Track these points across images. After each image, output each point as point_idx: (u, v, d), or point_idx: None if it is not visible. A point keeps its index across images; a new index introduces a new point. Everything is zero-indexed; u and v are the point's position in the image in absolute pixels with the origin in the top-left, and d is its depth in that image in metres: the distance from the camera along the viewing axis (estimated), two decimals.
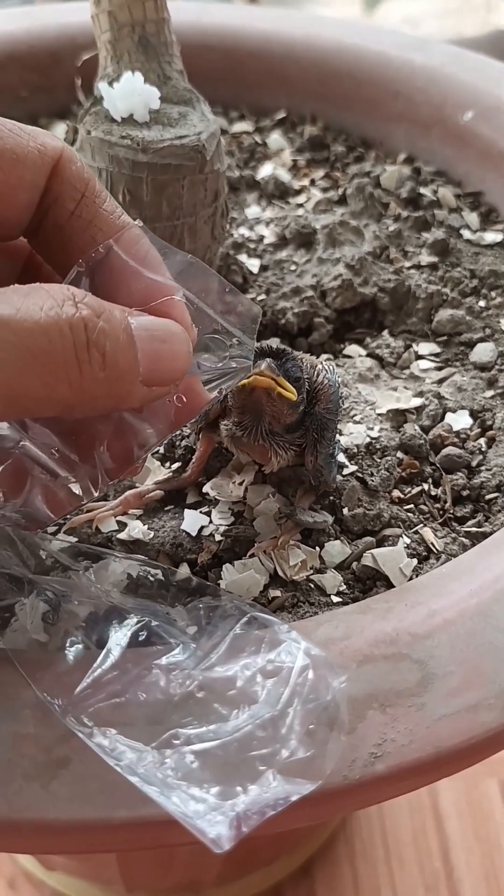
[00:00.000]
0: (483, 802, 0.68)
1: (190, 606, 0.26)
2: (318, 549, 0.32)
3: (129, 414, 0.26)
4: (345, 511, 0.34)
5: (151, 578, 0.31)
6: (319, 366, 0.34)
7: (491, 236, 0.48)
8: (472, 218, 0.49)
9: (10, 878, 0.61)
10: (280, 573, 0.31)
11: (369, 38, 0.55)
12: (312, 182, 0.53)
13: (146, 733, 0.22)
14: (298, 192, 0.52)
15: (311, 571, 0.32)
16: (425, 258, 0.46)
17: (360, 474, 0.35)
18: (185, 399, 0.26)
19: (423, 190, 0.50)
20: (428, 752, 0.23)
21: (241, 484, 0.34)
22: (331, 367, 0.34)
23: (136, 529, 0.33)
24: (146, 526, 0.34)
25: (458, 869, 0.64)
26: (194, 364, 0.26)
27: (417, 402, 0.39)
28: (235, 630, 0.24)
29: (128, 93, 0.37)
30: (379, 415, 0.39)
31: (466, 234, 0.48)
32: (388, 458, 0.36)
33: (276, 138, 0.55)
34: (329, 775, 0.22)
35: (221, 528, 0.33)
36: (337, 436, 0.34)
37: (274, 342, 0.32)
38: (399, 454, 0.37)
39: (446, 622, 0.26)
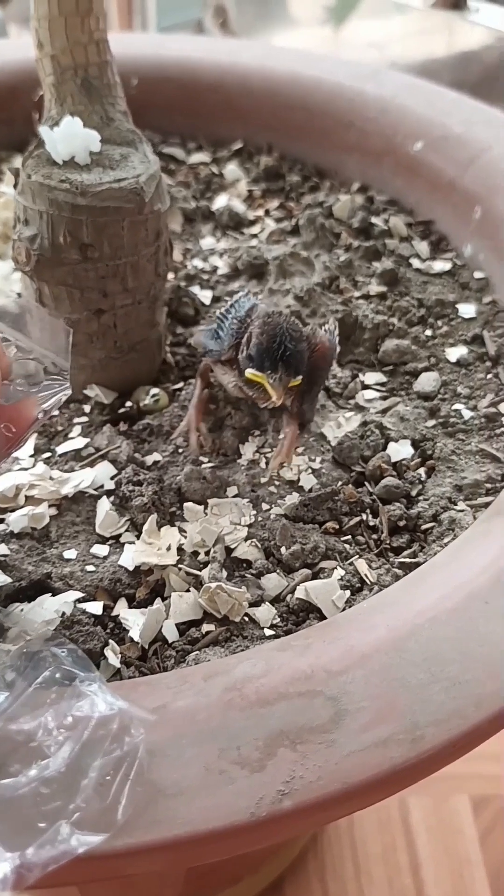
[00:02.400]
0: (453, 818, 0.68)
1: (16, 650, 0.27)
2: (244, 588, 0.33)
3: None
4: (283, 551, 0.35)
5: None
6: (321, 329, 0.38)
7: (440, 265, 0.49)
8: (423, 247, 0.50)
9: None
10: (212, 612, 0.32)
11: (324, 69, 0.56)
12: (267, 212, 0.54)
13: None
14: (253, 223, 0.53)
15: (246, 605, 0.33)
16: (374, 288, 0.47)
17: (295, 511, 0.36)
18: (13, 428, 0.27)
19: (374, 219, 0.51)
20: (335, 789, 0.23)
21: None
22: (332, 328, 0.38)
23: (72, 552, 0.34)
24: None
25: (428, 885, 0.65)
26: (11, 390, 0.27)
27: (359, 432, 0.40)
28: (43, 680, 0.24)
29: (68, 136, 0.37)
30: (321, 446, 0.39)
31: (416, 263, 0.49)
32: (329, 489, 0.37)
33: (232, 169, 0.56)
34: (237, 812, 0.23)
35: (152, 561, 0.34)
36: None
37: (283, 328, 0.34)
38: (340, 484, 0.38)
39: (362, 657, 0.26)
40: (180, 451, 0.39)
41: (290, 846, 0.63)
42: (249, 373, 0.35)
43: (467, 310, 0.46)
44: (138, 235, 0.38)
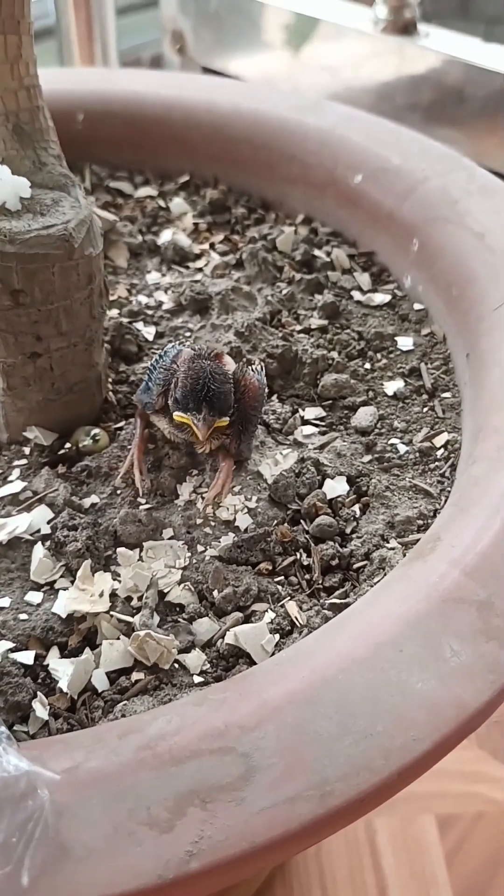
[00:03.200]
0: (419, 838, 0.68)
1: None
2: (173, 636, 0.33)
3: None
4: (215, 594, 0.35)
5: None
6: (249, 368, 0.39)
7: (380, 297, 0.49)
8: (364, 279, 0.51)
9: None
10: (142, 660, 0.32)
11: (267, 102, 0.57)
12: (212, 246, 0.54)
13: None
14: (198, 257, 0.53)
15: (175, 653, 0.33)
16: (315, 321, 0.48)
17: (228, 553, 0.36)
18: None
19: (317, 252, 0.52)
20: (243, 848, 0.24)
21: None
22: (259, 368, 0.40)
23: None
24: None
25: None
26: None
27: (295, 469, 0.40)
28: None
29: None
30: (258, 483, 0.40)
31: (357, 295, 0.50)
32: (262, 529, 0.37)
33: (178, 202, 0.57)
34: (144, 875, 0.23)
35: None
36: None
37: (207, 370, 0.35)
38: (275, 524, 0.38)
39: (275, 711, 0.26)
40: (118, 492, 0.39)
41: (256, 874, 0.63)
42: (176, 415, 0.36)
43: (405, 342, 0.46)
44: (70, 280, 0.38)
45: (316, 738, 0.26)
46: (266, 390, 0.39)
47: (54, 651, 0.34)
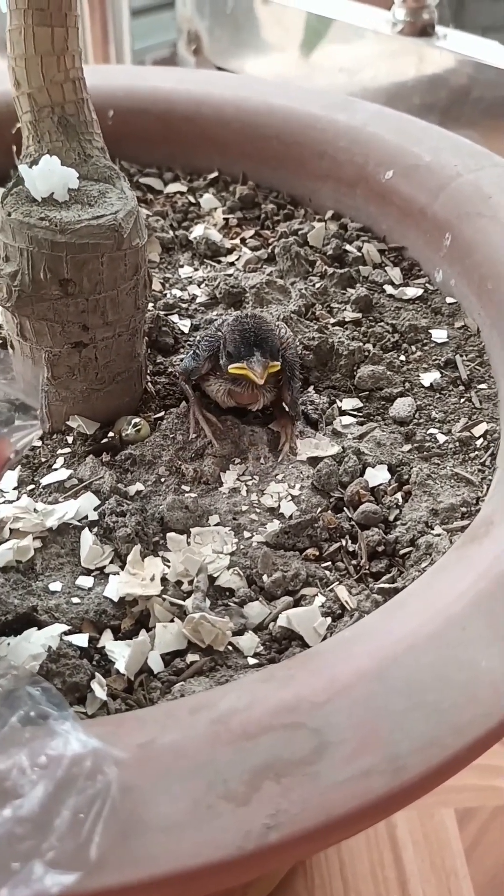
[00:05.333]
0: (439, 832, 0.69)
1: None
2: (227, 618, 0.33)
3: None
4: (264, 578, 0.35)
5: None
6: (281, 325, 0.43)
7: (412, 291, 0.50)
8: (395, 273, 0.51)
9: None
10: (196, 642, 0.32)
11: (296, 99, 0.57)
12: (243, 241, 0.54)
13: None
14: (230, 252, 0.54)
15: (230, 635, 0.33)
16: (349, 314, 0.48)
17: (275, 538, 0.37)
18: None
19: (348, 247, 0.52)
20: (319, 821, 0.24)
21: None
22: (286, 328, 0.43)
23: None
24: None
25: None
26: None
27: (337, 458, 0.41)
28: (18, 720, 0.25)
29: (46, 174, 0.38)
30: (300, 472, 0.40)
31: (389, 289, 0.50)
32: (308, 516, 0.38)
33: (208, 198, 0.57)
34: (225, 846, 0.23)
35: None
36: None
37: (251, 322, 0.39)
38: (319, 511, 0.38)
39: (345, 687, 0.27)
40: (162, 480, 0.40)
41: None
42: (231, 367, 0.38)
43: (440, 335, 0.47)
44: (117, 270, 0.39)
45: (386, 713, 0.26)
46: (297, 343, 0.43)
47: (107, 634, 0.34)
